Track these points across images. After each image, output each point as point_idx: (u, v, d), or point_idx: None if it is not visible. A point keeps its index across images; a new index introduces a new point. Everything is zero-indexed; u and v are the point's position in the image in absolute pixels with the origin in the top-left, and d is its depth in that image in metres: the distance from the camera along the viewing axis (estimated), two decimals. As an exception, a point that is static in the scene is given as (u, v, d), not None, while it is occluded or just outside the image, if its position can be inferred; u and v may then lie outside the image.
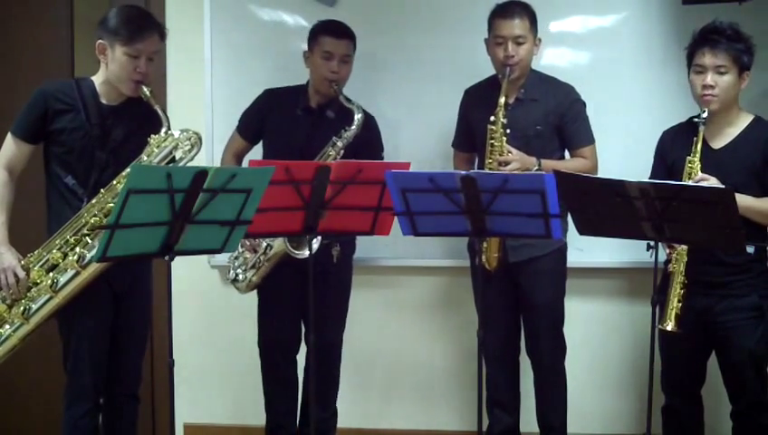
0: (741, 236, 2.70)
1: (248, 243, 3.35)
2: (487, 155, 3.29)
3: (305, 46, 3.49)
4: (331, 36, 3.39)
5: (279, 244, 3.30)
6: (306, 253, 3.03)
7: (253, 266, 3.37)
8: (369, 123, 3.47)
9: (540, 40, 3.37)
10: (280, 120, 3.49)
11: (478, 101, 3.43)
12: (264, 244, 3.34)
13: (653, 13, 3.73)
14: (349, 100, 3.37)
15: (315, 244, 3.05)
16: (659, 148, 3.26)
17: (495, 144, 3.27)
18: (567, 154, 3.47)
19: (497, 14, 3.33)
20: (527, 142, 3.32)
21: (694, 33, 3.09)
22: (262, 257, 3.35)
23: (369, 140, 3.47)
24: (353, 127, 3.33)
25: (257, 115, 3.55)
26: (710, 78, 3.01)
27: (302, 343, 3.52)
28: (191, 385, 4.04)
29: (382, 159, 3.53)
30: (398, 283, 4.03)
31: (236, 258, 3.42)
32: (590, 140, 3.41)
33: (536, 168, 3.26)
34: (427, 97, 3.85)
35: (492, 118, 3.26)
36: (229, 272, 3.43)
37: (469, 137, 3.51)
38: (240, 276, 3.40)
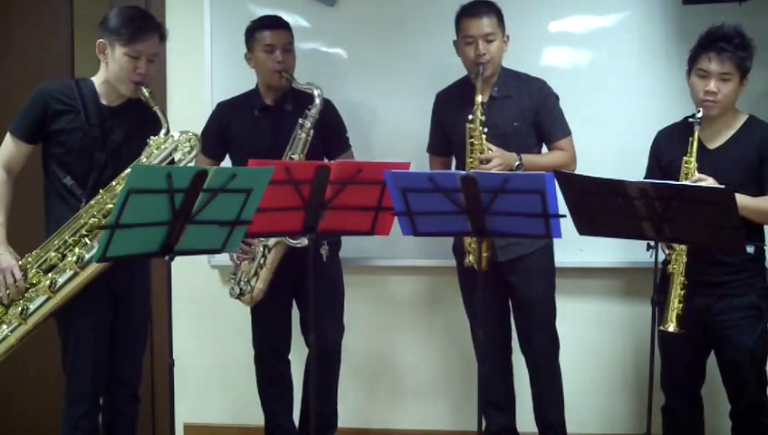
0: (741, 236, 2.70)
1: (244, 254, 3.34)
2: (468, 154, 3.28)
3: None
4: (269, 29, 3.42)
5: (276, 238, 3.29)
6: (304, 241, 3.02)
7: (255, 274, 3.35)
8: (328, 107, 3.44)
9: (508, 37, 3.36)
10: (240, 126, 3.48)
11: (452, 103, 3.43)
12: (261, 247, 3.32)
13: (653, 13, 3.72)
14: (303, 83, 3.36)
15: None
16: (654, 148, 3.25)
17: (475, 143, 3.26)
18: (544, 148, 3.46)
19: (464, 15, 3.33)
20: (506, 140, 3.31)
21: (700, 35, 3.05)
22: (262, 261, 3.33)
23: (332, 124, 3.47)
24: (316, 104, 3.32)
25: (217, 130, 3.52)
26: (714, 85, 2.98)
27: (297, 342, 3.52)
28: (191, 385, 4.04)
29: (347, 139, 3.54)
30: (395, 283, 4.03)
31: (234, 274, 3.40)
32: (566, 132, 3.41)
33: (518, 162, 3.27)
34: (427, 97, 3.82)
35: (470, 117, 3.25)
36: (233, 289, 3.39)
37: (444, 140, 3.51)
38: (244, 288, 3.36)
